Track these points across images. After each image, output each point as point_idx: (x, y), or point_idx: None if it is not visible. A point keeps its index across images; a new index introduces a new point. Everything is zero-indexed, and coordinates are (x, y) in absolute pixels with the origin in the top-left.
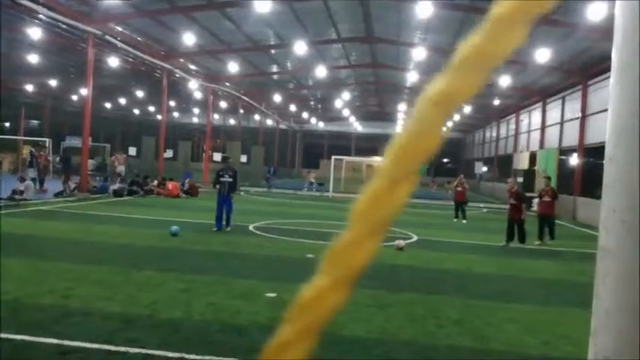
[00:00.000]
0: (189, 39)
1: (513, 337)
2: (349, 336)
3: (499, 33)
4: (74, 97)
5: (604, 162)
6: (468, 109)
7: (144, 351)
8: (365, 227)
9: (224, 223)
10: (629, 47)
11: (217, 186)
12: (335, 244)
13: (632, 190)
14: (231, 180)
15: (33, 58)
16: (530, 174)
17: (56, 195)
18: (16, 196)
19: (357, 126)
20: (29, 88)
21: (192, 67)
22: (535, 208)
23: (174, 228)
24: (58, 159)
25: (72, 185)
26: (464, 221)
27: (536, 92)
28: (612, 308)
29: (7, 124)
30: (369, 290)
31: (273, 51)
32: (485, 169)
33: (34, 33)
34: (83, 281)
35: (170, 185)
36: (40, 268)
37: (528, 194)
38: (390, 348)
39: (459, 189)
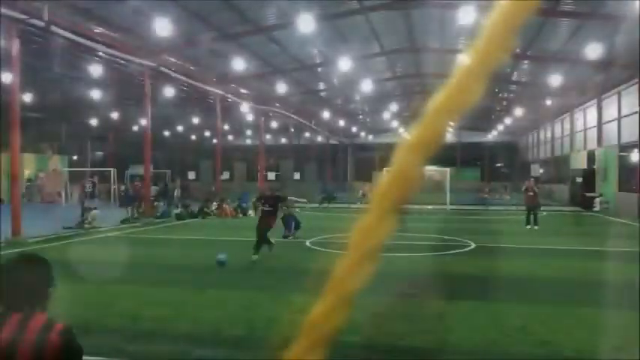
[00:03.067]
0: (238, 64)
1: (583, 343)
2: (407, 346)
3: (462, 87)
4: (135, 127)
5: None
6: (519, 112)
7: None
8: (359, 255)
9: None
10: None
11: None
12: (335, 270)
13: None
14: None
15: (95, 94)
16: (589, 173)
17: (122, 222)
18: (85, 225)
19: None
20: (93, 122)
21: (243, 90)
22: (597, 208)
23: (222, 257)
24: (123, 187)
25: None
26: (536, 227)
27: (590, 89)
28: None
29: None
30: (427, 300)
31: (319, 69)
32: (541, 171)
33: (95, 70)
34: (150, 303)
35: (226, 207)
36: (109, 291)
37: (588, 194)
38: (451, 358)
39: (530, 193)
